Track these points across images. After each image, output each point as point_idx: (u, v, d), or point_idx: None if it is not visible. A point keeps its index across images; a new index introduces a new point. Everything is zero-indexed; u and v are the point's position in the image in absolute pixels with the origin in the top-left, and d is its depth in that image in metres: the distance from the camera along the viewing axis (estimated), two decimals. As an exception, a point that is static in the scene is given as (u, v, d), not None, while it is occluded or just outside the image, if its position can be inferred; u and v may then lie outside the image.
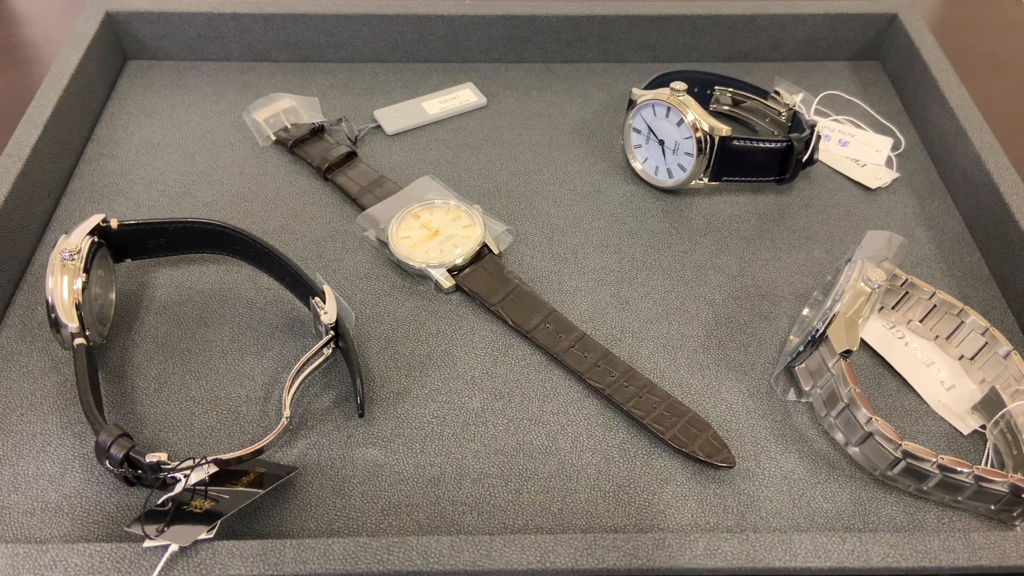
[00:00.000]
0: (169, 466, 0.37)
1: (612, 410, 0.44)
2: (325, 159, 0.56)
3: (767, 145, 0.53)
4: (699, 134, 0.52)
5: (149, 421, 0.43)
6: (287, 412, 0.40)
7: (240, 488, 0.37)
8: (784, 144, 0.53)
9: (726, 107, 0.62)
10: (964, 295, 0.51)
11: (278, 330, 0.47)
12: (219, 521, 0.35)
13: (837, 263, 0.51)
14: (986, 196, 0.53)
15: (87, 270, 0.43)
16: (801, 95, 0.63)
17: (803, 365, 0.44)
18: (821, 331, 0.42)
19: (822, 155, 0.59)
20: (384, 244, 0.51)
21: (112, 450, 0.36)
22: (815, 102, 0.64)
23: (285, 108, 0.60)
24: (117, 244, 0.47)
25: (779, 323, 0.49)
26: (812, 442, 0.43)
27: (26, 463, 0.41)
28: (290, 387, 0.41)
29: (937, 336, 0.48)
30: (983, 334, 0.45)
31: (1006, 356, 0.44)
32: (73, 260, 0.43)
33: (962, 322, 0.46)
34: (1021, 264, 0.49)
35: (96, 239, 0.45)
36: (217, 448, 0.42)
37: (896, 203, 0.57)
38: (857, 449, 0.41)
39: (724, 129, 0.52)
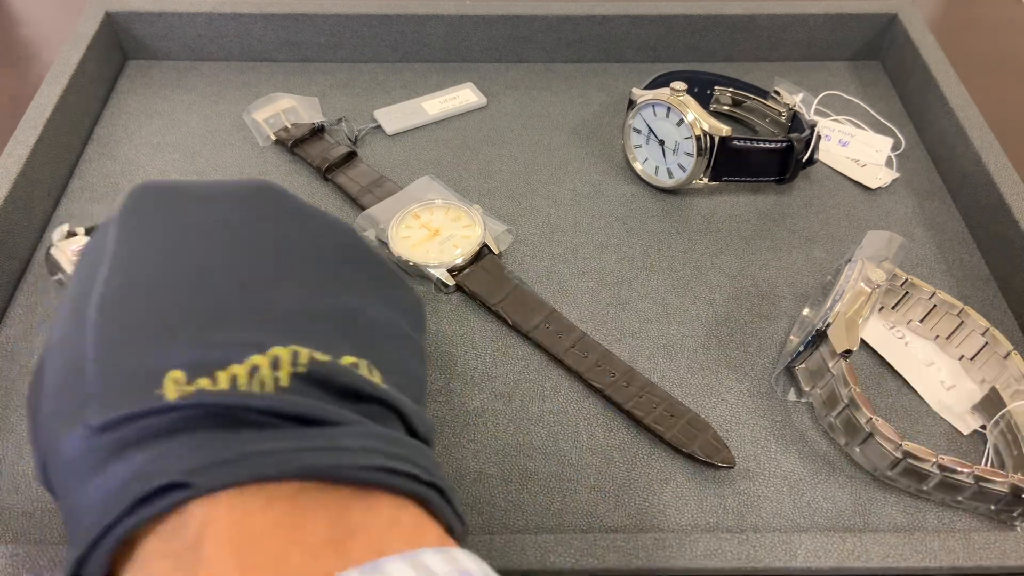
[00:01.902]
0: None
1: (612, 410, 0.44)
2: (325, 159, 0.56)
3: (767, 145, 0.53)
4: (699, 134, 0.52)
5: (149, 421, 0.43)
6: None
7: None
8: (784, 144, 0.53)
9: (726, 107, 0.62)
10: (964, 295, 0.51)
11: (278, 330, 0.47)
12: None
13: (837, 263, 0.51)
14: (986, 196, 0.53)
15: None
16: (801, 95, 0.63)
17: (803, 365, 0.44)
18: (821, 331, 0.42)
19: (822, 155, 0.59)
20: (384, 244, 0.51)
21: None
22: (815, 102, 0.64)
23: (285, 108, 0.60)
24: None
25: (779, 323, 0.49)
26: (812, 442, 0.43)
27: (26, 463, 0.41)
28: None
29: (937, 336, 0.48)
30: (983, 334, 0.45)
31: (1006, 356, 0.44)
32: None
33: (962, 322, 0.46)
34: (1021, 264, 0.49)
35: None
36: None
37: (896, 203, 0.57)
38: (857, 449, 0.41)
39: (724, 129, 0.52)
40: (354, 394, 0.24)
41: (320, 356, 0.24)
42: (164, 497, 0.20)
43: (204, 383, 0.21)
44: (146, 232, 0.26)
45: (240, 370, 0.22)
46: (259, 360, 0.22)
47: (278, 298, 0.25)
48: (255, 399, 0.22)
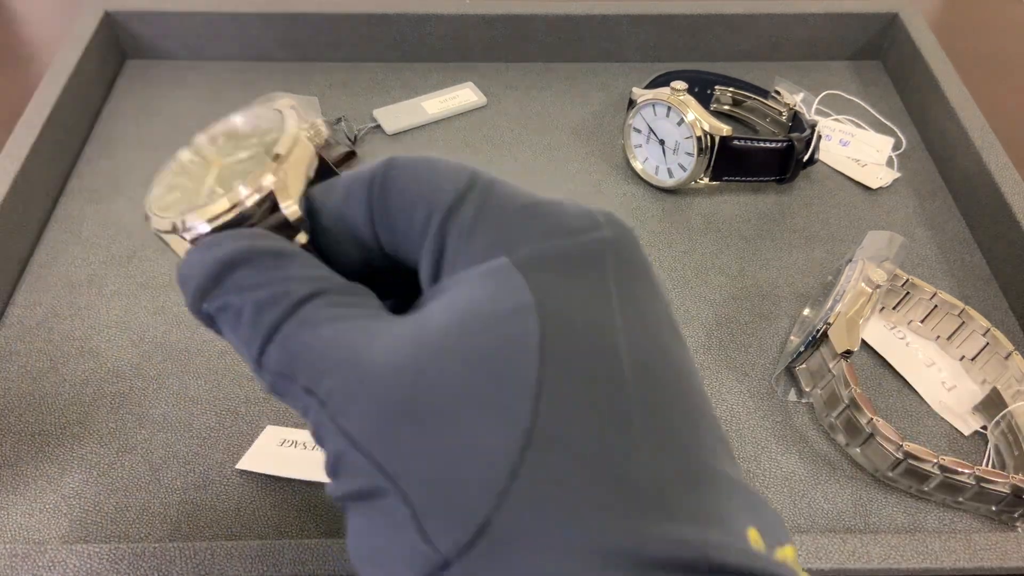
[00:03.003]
0: None
1: (612, 410, 0.44)
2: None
3: (767, 145, 0.53)
4: (699, 134, 0.52)
5: (148, 421, 0.43)
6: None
7: None
8: (784, 144, 0.53)
9: (726, 107, 0.62)
10: (965, 295, 0.51)
11: (277, 330, 0.47)
12: None
13: (838, 263, 0.51)
14: (987, 196, 0.53)
15: None
16: (802, 95, 0.63)
17: (804, 366, 0.44)
18: (822, 331, 0.42)
19: (823, 155, 0.59)
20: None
21: None
22: (816, 102, 0.64)
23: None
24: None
25: (780, 323, 0.49)
26: (813, 443, 0.43)
27: (25, 464, 0.41)
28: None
29: (938, 336, 0.48)
30: (984, 335, 0.45)
31: (1007, 357, 0.44)
32: None
33: (963, 322, 0.46)
34: (1022, 264, 0.49)
35: None
36: (217, 448, 0.42)
37: (897, 203, 0.57)
38: (858, 450, 0.41)
39: (724, 129, 0.52)
40: None
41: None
42: None
43: (781, 556, 0.16)
44: (640, 311, 0.19)
45: (791, 554, 0.17)
46: (791, 553, 0.17)
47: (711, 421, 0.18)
48: None
